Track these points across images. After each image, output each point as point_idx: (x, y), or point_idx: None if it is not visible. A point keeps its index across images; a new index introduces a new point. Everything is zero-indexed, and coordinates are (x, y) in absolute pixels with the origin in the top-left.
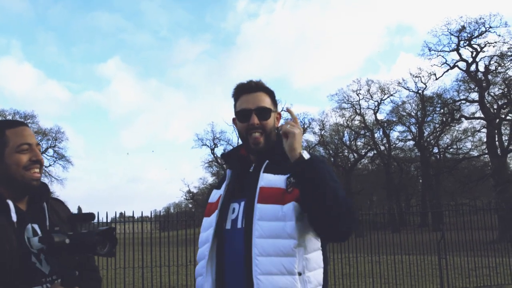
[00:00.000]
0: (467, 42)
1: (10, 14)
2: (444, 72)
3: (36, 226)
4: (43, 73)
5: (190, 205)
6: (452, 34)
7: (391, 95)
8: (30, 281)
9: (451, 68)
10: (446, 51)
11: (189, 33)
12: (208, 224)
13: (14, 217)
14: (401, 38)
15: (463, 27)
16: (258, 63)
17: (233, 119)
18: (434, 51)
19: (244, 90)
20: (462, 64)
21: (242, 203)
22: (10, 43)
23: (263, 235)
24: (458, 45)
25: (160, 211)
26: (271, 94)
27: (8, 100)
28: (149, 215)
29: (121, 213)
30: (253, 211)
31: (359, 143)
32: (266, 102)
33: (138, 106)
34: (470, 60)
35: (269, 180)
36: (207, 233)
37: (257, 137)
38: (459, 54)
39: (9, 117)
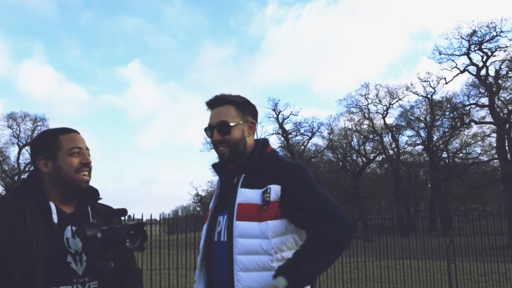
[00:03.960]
0: (478, 46)
1: (36, 17)
2: (454, 76)
3: (80, 227)
4: (64, 75)
5: (198, 208)
6: (463, 38)
7: (400, 99)
8: (62, 280)
9: (461, 72)
10: (456, 55)
11: (212, 37)
12: (203, 233)
13: (55, 218)
14: (424, 44)
15: (474, 31)
16: (281, 68)
17: None
18: (445, 54)
19: (210, 105)
20: (472, 69)
21: (225, 217)
22: (33, 46)
23: (242, 251)
24: (468, 49)
25: (168, 214)
26: (238, 104)
27: (28, 102)
28: (158, 218)
29: (129, 216)
30: (233, 228)
31: (367, 147)
32: (229, 115)
33: (155, 109)
34: (480, 64)
35: (246, 196)
36: (201, 242)
37: (222, 151)
38: (470, 58)
39: (20, 119)
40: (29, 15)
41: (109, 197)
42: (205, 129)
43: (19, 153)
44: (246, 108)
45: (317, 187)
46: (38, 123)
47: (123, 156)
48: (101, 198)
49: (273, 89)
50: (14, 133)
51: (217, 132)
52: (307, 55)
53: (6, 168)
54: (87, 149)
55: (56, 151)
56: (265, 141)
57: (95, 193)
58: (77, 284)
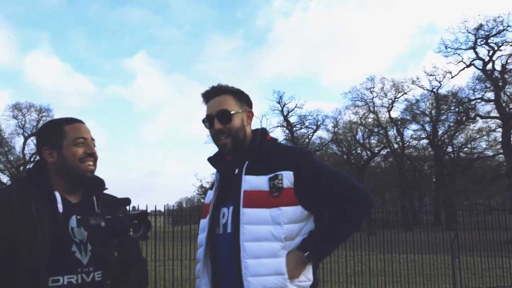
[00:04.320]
0: (484, 41)
1: (43, 8)
2: (460, 71)
3: (83, 216)
4: (70, 66)
5: (202, 200)
6: (469, 32)
7: (405, 93)
8: (66, 269)
9: (467, 66)
10: (462, 49)
11: (219, 29)
12: (203, 226)
13: (60, 207)
14: (431, 38)
15: (481, 25)
16: (288, 60)
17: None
18: (451, 48)
19: (207, 97)
20: (478, 63)
21: (231, 208)
22: (40, 37)
23: (250, 238)
24: (475, 43)
25: (173, 206)
26: (235, 94)
27: (35, 92)
28: (162, 209)
29: (133, 207)
30: (239, 215)
31: (372, 141)
32: (228, 104)
33: (161, 100)
34: (486, 58)
35: (251, 183)
36: (202, 236)
37: (224, 141)
38: (476, 53)
39: (25, 110)
40: (36, 6)
41: (114, 188)
42: (204, 120)
43: (24, 143)
44: (242, 98)
45: (326, 165)
46: (43, 114)
47: (129, 147)
48: (106, 188)
49: (279, 82)
50: (19, 123)
51: (218, 121)
52: (314, 48)
53: (12, 159)
54: (93, 139)
55: (61, 141)
56: (264, 130)
57: (101, 183)
58: (81, 274)
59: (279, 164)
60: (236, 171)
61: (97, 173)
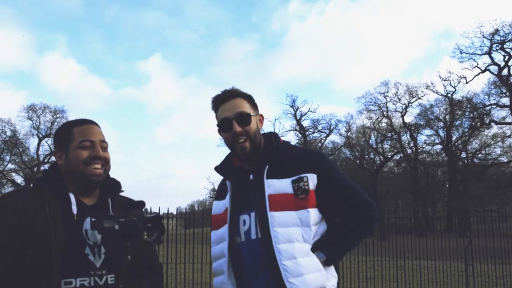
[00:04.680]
0: (500, 46)
1: (60, 10)
2: (475, 76)
3: (98, 218)
4: (86, 68)
5: None
6: (484, 37)
7: (419, 98)
8: (79, 271)
9: (482, 71)
10: (478, 54)
11: (234, 32)
12: (220, 237)
13: (74, 209)
14: (447, 42)
15: (497, 30)
16: (302, 64)
17: (218, 130)
18: (466, 53)
19: (221, 100)
20: (493, 68)
21: (253, 214)
22: (57, 39)
23: (283, 240)
24: (490, 48)
25: (185, 208)
26: (248, 98)
27: (50, 94)
28: (174, 212)
29: (145, 209)
30: (267, 219)
31: (385, 146)
32: (245, 107)
33: (175, 103)
34: (502, 64)
35: (275, 186)
36: (221, 247)
37: (243, 144)
38: (491, 58)
39: (40, 111)
40: (53, 8)
41: (126, 190)
42: (220, 124)
43: (38, 144)
44: (253, 102)
45: (344, 175)
46: (58, 115)
47: (142, 149)
48: (123, 191)
49: (293, 85)
50: (34, 124)
51: (237, 123)
52: (329, 52)
53: (26, 159)
54: (104, 141)
55: (68, 144)
56: (275, 134)
57: (117, 185)
58: (94, 276)
59: (300, 167)
60: (251, 176)
61: (110, 175)
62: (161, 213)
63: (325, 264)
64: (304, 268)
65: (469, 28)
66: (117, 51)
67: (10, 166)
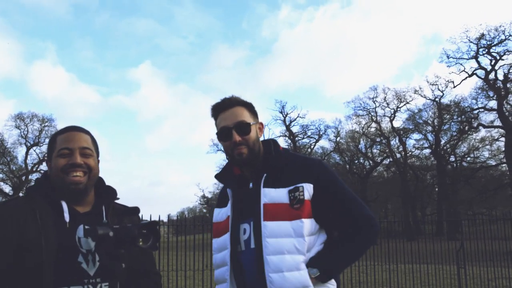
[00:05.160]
0: (486, 50)
1: (49, 18)
2: (462, 80)
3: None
4: (75, 76)
5: (205, 210)
6: (471, 42)
7: (407, 102)
8: (72, 280)
9: (470, 76)
10: (465, 58)
11: (225, 39)
12: (221, 245)
13: (66, 217)
14: (436, 47)
15: (483, 35)
16: (292, 70)
17: (218, 138)
18: (453, 58)
19: (220, 109)
20: (480, 72)
21: (252, 223)
22: (46, 47)
23: (273, 252)
24: (477, 52)
25: (177, 216)
26: (248, 106)
27: (39, 102)
28: (165, 219)
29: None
30: (261, 229)
31: (375, 151)
32: (245, 116)
33: (165, 110)
34: (489, 68)
35: (271, 196)
36: (223, 255)
37: (240, 150)
38: (478, 62)
39: (27, 120)
40: (43, 16)
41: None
42: (219, 132)
43: (26, 153)
44: (253, 110)
45: (345, 186)
46: (46, 124)
47: (132, 157)
48: (118, 198)
49: (283, 92)
50: (22, 133)
51: (237, 133)
52: (319, 58)
53: (14, 168)
54: (86, 148)
55: (51, 152)
56: (275, 141)
57: (112, 192)
58: (88, 285)
59: (297, 176)
60: (251, 185)
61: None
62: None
63: (319, 280)
64: (288, 283)
65: (454, 33)
66: (107, 58)
67: None
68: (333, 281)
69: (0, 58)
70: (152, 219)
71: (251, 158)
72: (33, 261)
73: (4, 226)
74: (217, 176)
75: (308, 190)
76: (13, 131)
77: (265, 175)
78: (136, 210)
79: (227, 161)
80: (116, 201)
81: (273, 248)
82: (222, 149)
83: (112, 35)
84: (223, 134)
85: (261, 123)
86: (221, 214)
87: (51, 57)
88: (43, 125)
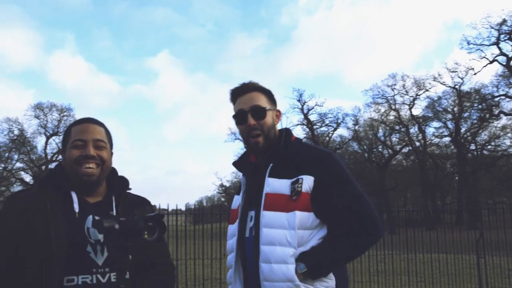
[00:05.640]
0: (508, 36)
1: (68, 8)
2: (483, 67)
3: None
4: (94, 66)
5: (223, 199)
6: (492, 27)
7: (427, 90)
8: (81, 269)
9: (491, 62)
10: (485, 45)
11: (243, 27)
12: (232, 232)
13: (76, 207)
14: (457, 34)
15: (504, 20)
16: (311, 58)
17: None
18: (474, 44)
19: (239, 93)
20: (502, 59)
21: (254, 212)
22: (65, 37)
23: (266, 242)
24: (498, 38)
25: (194, 205)
26: (266, 93)
27: (59, 92)
28: (183, 208)
29: (154, 206)
30: (260, 218)
31: (393, 139)
32: (261, 101)
33: (183, 99)
34: (510, 54)
35: (273, 186)
36: (232, 241)
37: (256, 140)
38: (499, 48)
39: (46, 109)
40: (61, 6)
41: (135, 187)
42: (235, 116)
43: (46, 142)
44: (271, 97)
45: (352, 181)
46: (65, 113)
47: (150, 146)
48: (130, 189)
49: (302, 80)
50: (41, 123)
51: (252, 116)
52: (338, 46)
53: (34, 158)
54: (100, 140)
55: (66, 143)
56: (288, 131)
57: (124, 183)
58: (96, 274)
59: (302, 168)
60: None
61: (118, 171)
62: (170, 209)
63: (307, 276)
64: (275, 275)
65: (475, 19)
66: (125, 48)
67: (18, 165)
68: (331, 276)
69: (20, 48)
70: (169, 208)
71: (267, 146)
72: (42, 251)
73: (12, 218)
74: (234, 164)
75: (308, 182)
76: (32, 121)
77: (271, 164)
78: (146, 201)
79: (245, 150)
80: (131, 191)
81: (267, 238)
82: (240, 137)
83: (130, 24)
84: (239, 117)
85: (279, 111)
86: (236, 201)
87: (70, 47)
88: (62, 114)
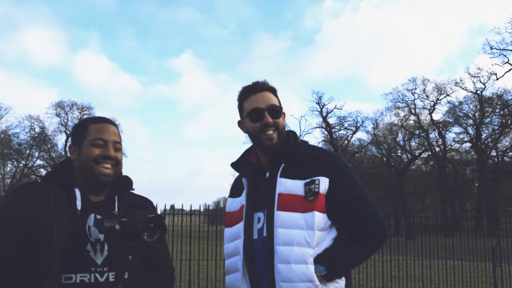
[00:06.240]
0: None
1: (93, 8)
2: (506, 72)
3: (99, 217)
4: (118, 65)
5: None
6: None
7: (448, 95)
8: (79, 267)
9: None
10: (509, 50)
11: (266, 29)
12: (234, 235)
13: (78, 205)
14: (482, 39)
15: None
16: (334, 61)
17: (239, 122)
18: (496, 49)
19: (252, 91)
20: None
21: (266, 212)
22: (90, 36)
23: (282, 242)
24: None
25: (208, 205)
26: (276, 93)
27: (82, 91)
28: (199, 208)
29: (171, 205)
30: (273, 218)
31: (413, 144)
32: (276, 101)
33: (205, 100)
34: None
35: (286, 186)
36: (235, 244)
37: (271, 135)
38: None
39: (67, 108)
40: (87, 6)
41: (153, 187)
42: (250, 113)
43: (66, 140)
44: (279, 98)
45: (362, 185)
46: (85, 112)
47: (171, 146)
48: (133, 189)
49: (324, 83)
50: (62, 121)
51: (269, 114)
52: (362, 49)
53: (54, 156)
54: (118, 143)
55: (82, 139)
56: (294, 133)
57: (128, 182)
58: (95, 273)
59: (315, 169)
60: (267, 174)
61: (137, 170)
62: (185, 210)
63: (325, 278)
64: (294, 275)
65: (498, 23)
66: (149, 48)
67: (38, 162)
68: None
69: (46, 47)
70: (184, 208)
71: (279, 144)
72: (43, 247)
73: (15, 212)
74: (233, 165)
75: (324, 183)
76: (53, 119)
77: (283, 165)
78: (148, 202)
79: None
80: (135, 192)
81: (283, 239)
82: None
83: (154, 24)
84: (254, 115)
85: (284, 112)
86: (234, 203)
87: (94, 46)
88: (82, 113)
